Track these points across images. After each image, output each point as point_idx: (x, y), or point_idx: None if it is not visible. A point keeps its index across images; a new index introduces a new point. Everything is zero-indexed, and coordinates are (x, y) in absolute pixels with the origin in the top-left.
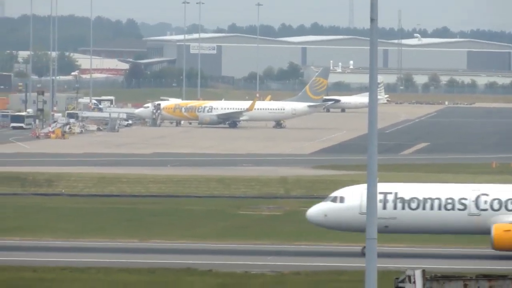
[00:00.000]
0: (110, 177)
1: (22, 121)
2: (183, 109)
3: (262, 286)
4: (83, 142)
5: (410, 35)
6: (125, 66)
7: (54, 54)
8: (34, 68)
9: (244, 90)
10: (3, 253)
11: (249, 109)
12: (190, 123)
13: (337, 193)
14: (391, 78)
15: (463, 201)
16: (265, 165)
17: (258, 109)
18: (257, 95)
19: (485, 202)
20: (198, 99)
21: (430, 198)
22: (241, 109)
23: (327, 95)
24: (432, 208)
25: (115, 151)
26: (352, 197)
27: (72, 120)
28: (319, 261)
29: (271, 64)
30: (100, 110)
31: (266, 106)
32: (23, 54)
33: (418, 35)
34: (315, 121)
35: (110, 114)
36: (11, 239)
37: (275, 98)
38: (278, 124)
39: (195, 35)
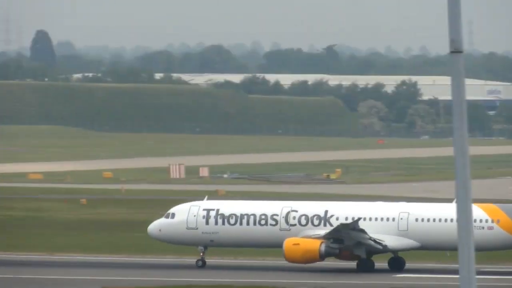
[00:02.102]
0: None
1: None
2: None
3: None
4: None
5: None
6: None
7: None
8: None
9: None
10: None
11: None
12: None
13: (170, 210)
14: None
15: (275, 217)
16: None
17: None
18: None
19: (294, 217)
20: None
21: (246, 214)
22: None
23: None
24: (248, 223)
25: None
26: (181, 214)
27: None
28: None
29: None
30: None
31: None
32: None
33: None
34: None
35: None
36: None
37: None
38: None
39: None
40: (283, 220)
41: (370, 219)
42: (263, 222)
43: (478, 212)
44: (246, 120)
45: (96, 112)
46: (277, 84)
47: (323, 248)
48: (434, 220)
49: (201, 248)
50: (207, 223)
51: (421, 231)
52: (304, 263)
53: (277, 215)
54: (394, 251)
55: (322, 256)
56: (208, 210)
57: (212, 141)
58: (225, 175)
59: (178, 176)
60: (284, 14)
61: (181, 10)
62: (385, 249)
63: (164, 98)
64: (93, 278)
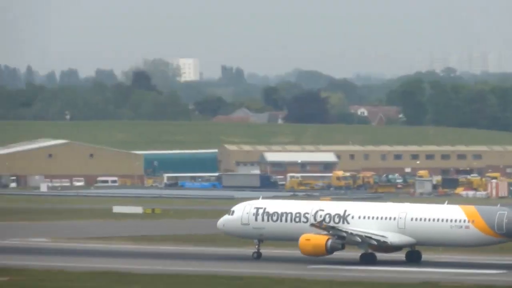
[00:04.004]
0: None
1: None
2: None
3: None
4: None
5: None
6: None
7: None
8: None
9: None
10: None
11: None
12: None
13: (233, 208)
14: None
15: (306, 215)
16: None
17: None
18: None
19: (320, 216)
20: None
21: (285, 212)
22: None
23: None
24: (286, 220)
25: None
26: (238, 211)
27: None
28: None
29: None
30: None
31: None
32: None
33: None
34: None
35: None
36: None
37: None
38: None
39: None
40: (312, 218)
41: (376, 217)
42: (297, 219)
43: (459, 213)
44: None
45: None
46: None
47: (329, 243)
48: (427, 219)
49: (256, 241)
50: (256, 219)
51: (416, 229)
52: (315, 256)
53: (308, 213)
54: (396, 247)
55: (329, 251)
56: (258, 208)
57: None
58: None
59: None
60: None
61: None
62: (384, 244)
63: None
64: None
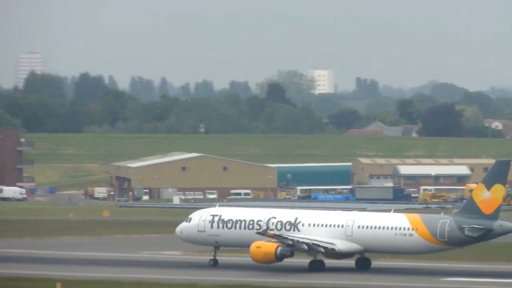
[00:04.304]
0: None
1: None
2: None
3: None
4: None
5: None
6: None
7: None
8: None
9: None
10: None
11: None
12: None
13: (190, 215)
14: None
15: (259, 222)
16: None
17: None
18: None
19: (273, 223)
20: None
21: (239, 220)
22: None
23: None
24: (240, 228)
25: None
26: (195, 218)
27: None
28: None
29: None
30: None
31: None
32: None
33: None
34: None
35: None
36: None
37: None
38: None
39: None
40: (265, 226)
41: (325, 225)
42: (251, 227)
43: (404, 221)
44: None
45: None
46: None
47: (278, 251)
48: (373, 227)
49: (212, 248)
50: (211, 227)
51: (363, 236)
52: (265, 264)
53: (261, 221)
54: (344, 254)
55: (278, 258)
56: (214, 216)
57: None
58: None
59: None
60: None
61: None
62: (332, 251)
63: None
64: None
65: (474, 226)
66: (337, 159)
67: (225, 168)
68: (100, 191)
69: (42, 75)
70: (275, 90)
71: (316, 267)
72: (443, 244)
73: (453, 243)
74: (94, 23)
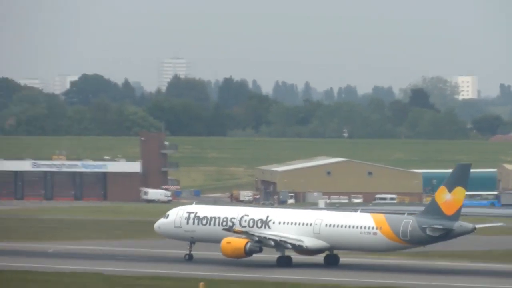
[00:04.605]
0: None
1: None
2: None
3: None
4: None
5: None
6: None
7: None
8: None
9: None
10: None
11: None
12: None
13: (168, 212)
14: None
15: (233, 219)
16: None
17: None
18: None
19: (245, 221)
20: None
21: (213, 217)
22: None
23: None
24: (214, 224)
25: None
26: (172, 215)
27: None
28: None
29: None
30: None
31: None
32: None
33: None
34: None
35: None
36: None
37: None
38: None
39: None
40: (238, 223)
41: (295, 223)
42: (224, 223)
43: (369, 220)
44: None
45: None
46: None
47: (247, 246)
48: (339, 226)
49: (188, 243)
50: (187, 223)
51: (330, 234)
52: (235, 258)
53: (234, 218)
54: (312, 250)
55: (248, 253)
56: (190, 213)
57: None
58: None
59: None
60: None
61: None
62: (300, 248)
63: None
64: None
65: (435, 226)
66: (481, 164)
67: (370, 173)
68: (246, 195)
69: (186, 79)
70: (418, 95)
71: (284, 262)
72: (405, 242)
73: (415, 242)
74: (235, 30)
